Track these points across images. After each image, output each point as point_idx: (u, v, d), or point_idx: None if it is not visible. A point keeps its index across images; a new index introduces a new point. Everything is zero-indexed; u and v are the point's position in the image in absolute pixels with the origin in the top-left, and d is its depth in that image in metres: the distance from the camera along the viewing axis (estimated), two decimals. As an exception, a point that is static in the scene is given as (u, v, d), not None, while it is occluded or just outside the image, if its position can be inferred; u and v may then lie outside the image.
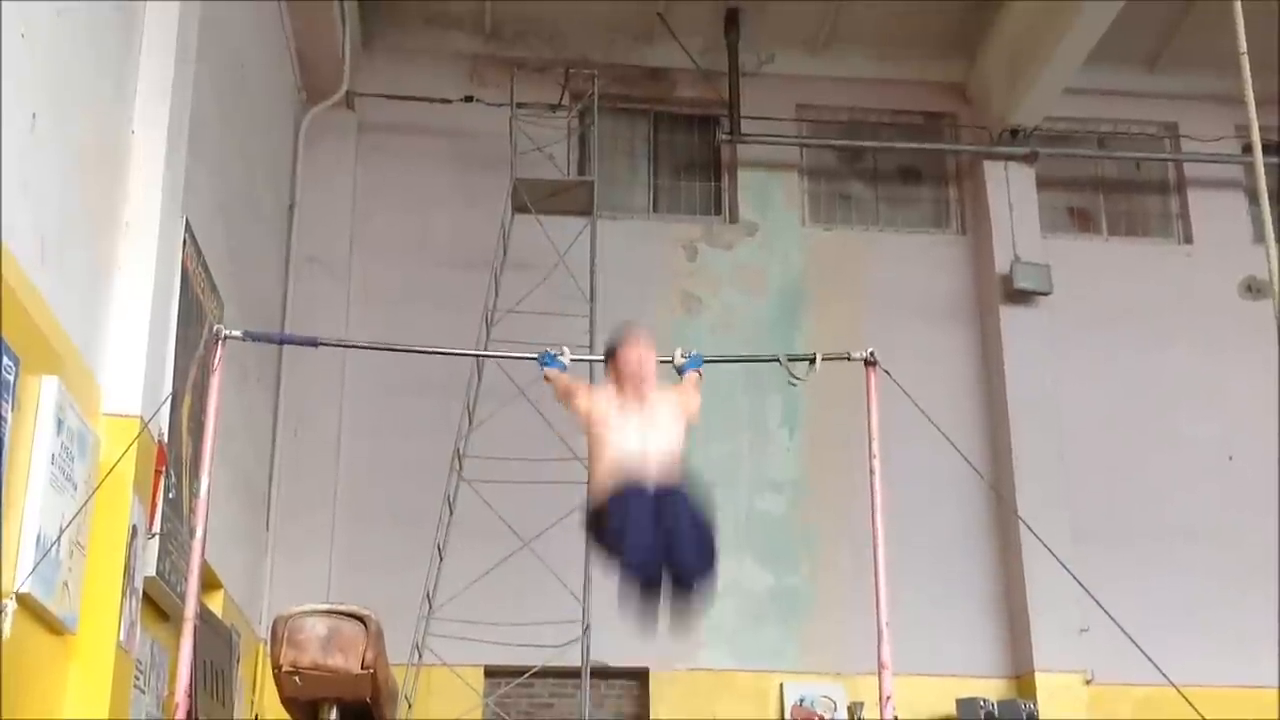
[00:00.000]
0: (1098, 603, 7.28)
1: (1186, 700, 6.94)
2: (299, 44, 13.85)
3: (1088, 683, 13.79)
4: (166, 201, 8.57)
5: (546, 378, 6.88)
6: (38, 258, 6.74)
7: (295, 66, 14.11)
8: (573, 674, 12.85)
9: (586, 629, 12.63)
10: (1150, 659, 7.05)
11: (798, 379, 7.34)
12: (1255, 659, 13.64)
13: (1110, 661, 12.33)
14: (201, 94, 9.51)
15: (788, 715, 13.78)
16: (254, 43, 12.08)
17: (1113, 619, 7.16)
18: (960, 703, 13.48)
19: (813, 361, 7.27)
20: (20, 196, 6.46)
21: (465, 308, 13.75)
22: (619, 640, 13.23)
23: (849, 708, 13.71)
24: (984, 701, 13.42)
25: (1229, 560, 14.41)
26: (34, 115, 6.64)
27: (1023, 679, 14.05)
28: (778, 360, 7.38)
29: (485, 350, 12.53)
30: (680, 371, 7.04)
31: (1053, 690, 13.75)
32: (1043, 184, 15.75)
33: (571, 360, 7.06)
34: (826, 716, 13.76)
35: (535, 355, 7.11)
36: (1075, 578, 7.51)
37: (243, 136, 11.72)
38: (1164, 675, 7.00)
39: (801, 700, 13.82)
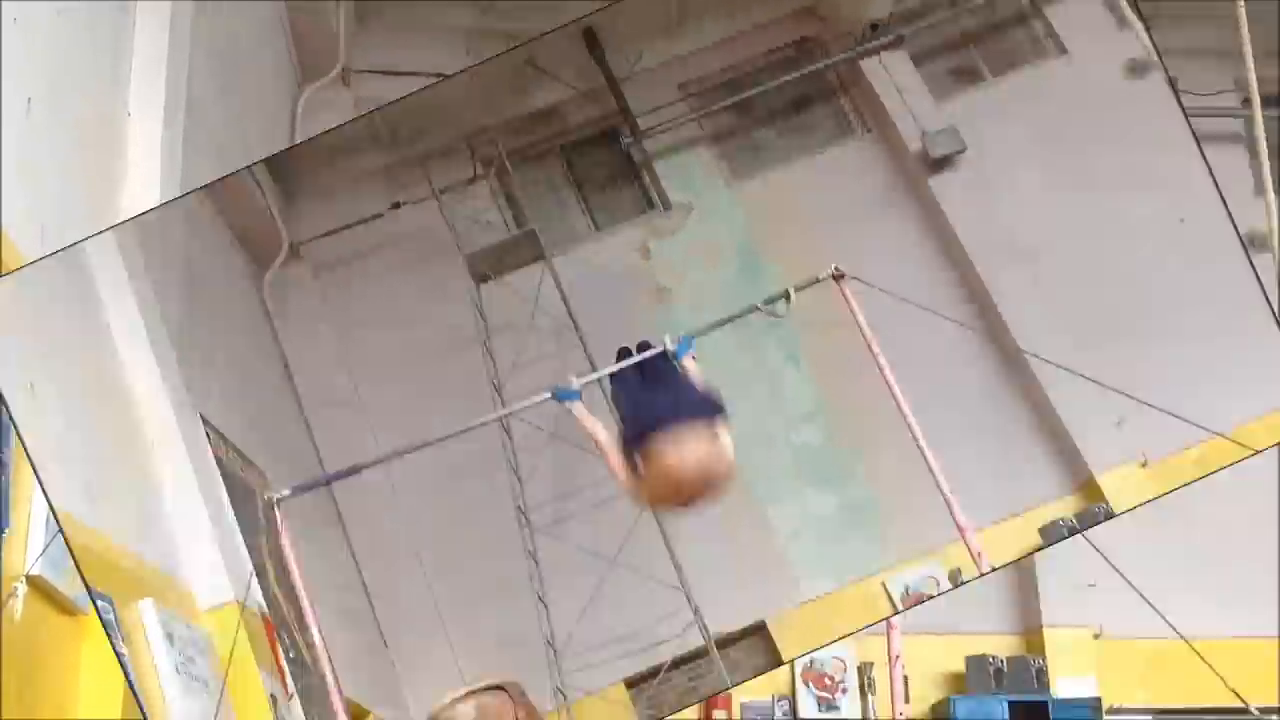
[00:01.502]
0: (1104, 557, 7.19)
1: (1195, 652, 6.83)
2: (294, 21, 13.37)
3: (1096, 637, 13.55)
4: (165, 184, 8.30)
5: (570, 410, 6.84)
6: (38, 244, 6.53)
7: (291, 44, 13.62)
8: (700, 654, 12.85)
9: (696, 610, 12.63)
10: (1158, 611, 6.96)
11: (780, 315, 7.36)
12: (1258, 610, 13.26)
13: (1119, 615, 12.09)
14: (197, 74, 9.19)
15: (798, 677, 13.54)
16: (248, 20, 11.66)
17: (1119, 573, 7.07)
18: (969, 660, 13.20)
19: (788, 297, 7.28)
20: (18, 182, 6.27)
21: (472, 388, 13.71)
22: (727, 605, 13.34)
23: (859, 668, 13.47)
24: (993, 658, 13.16)
25: (1233, 512, 14.01)
26: (29, 100, 6.48)
27: (1031, 635, 13.76)
28: (758, 308, 7.40)
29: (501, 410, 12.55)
30: (675, 359, 7.06)
31: (1061, 645, 13.46)
32: (918, 60, 15.71)
33: (582, 384, 7.11)
34: (837, 677, 13.54)
35: (548, 394, 7.15)
36: (1081, 533, 7.45)
37: (239, 116, 11.32)
38: (1172, 627, 6.89)
39: (812, 662, 13.51)
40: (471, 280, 14.25)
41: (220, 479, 8.98)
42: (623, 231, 15.67)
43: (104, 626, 6.02)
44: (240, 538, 8.79)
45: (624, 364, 7.17)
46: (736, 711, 13.50)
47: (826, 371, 14.64)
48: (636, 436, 5.97)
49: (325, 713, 8.90)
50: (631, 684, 13.44)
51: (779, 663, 13.85)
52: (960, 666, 13.30)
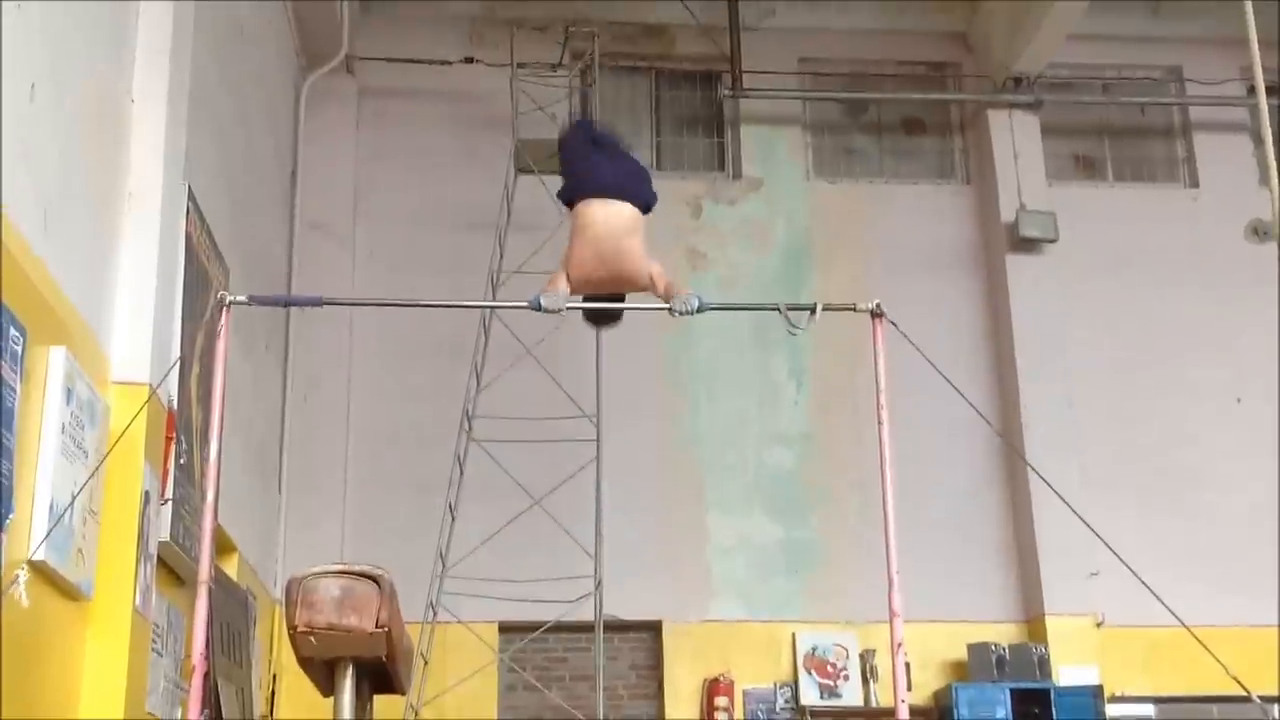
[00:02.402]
0: (1108, 546, 7.29)
1: (1197, 639, 6.95)
2: (297, 8, 13.79)
3: (1098, 625, 13.85)
4: (168, 169, 8.54)
5: (544, 308, 7.23)
6: (40, 228, 6.74)
7: (294, 31, 14.06)
8: (586, 628, 12.91)
9: (599, 584, 12.69)
10: (1160, 599, 7.06)
11: (798, 329, 7.34)
12: (1258, 599, 13.74)
13: (1121, 604, 12.37)
14: (201, 61, 9.48)
15: (800, 664, 13.84)
16: (252, 8, 12.02)
17: (1122, 561, 7.17)
18: (972, 647, 13.59)
19: (813, 311, 7.26)
20: (22, 167, 6.46)
21: (470, 270, 13.76)
22: (632, 594, 13.47)
23: (861, 655, 13.82)
24: (995, 646, 13.55)
25: (1235, 502, 14.45)
26: (33, 85, 6.64)
27: (1034, 623, 14.13)
28: (778, 309, 7.36)
29: (490, 309, 12.58)
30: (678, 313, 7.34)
31: (1064, 634, 13.81)
32: (1047, 131, 15.70)
33: (568, 308, 7.29)
34: (839, 664, 13.84)
35: (528, 304, 7.28)
36: (1084, 521, 7.51)
37: (243, 103, 11.69)
38: (1174, 615, 7.01)
39: (814, 649, 13.88)
40: (513, 166, 14.22)
41: (182, 257, 9.00)
42: (683, 180, 15.62)
43: (3, 355, 6.07)
44: (179, 324, 8.83)
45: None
46: (738, 698, 13.73)
47: (825, 403, 14.67)
48: (579, 190, 7.50)
49: (192, 529, 8.94)
50: (506, 630, 13.51)
51: (657, 668, 13.95)
52: (963, 654, 13.65)
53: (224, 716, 9.70)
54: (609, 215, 7.40)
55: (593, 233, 7.39)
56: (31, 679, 6.54)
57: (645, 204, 7.59)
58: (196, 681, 6.46)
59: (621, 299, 7.79)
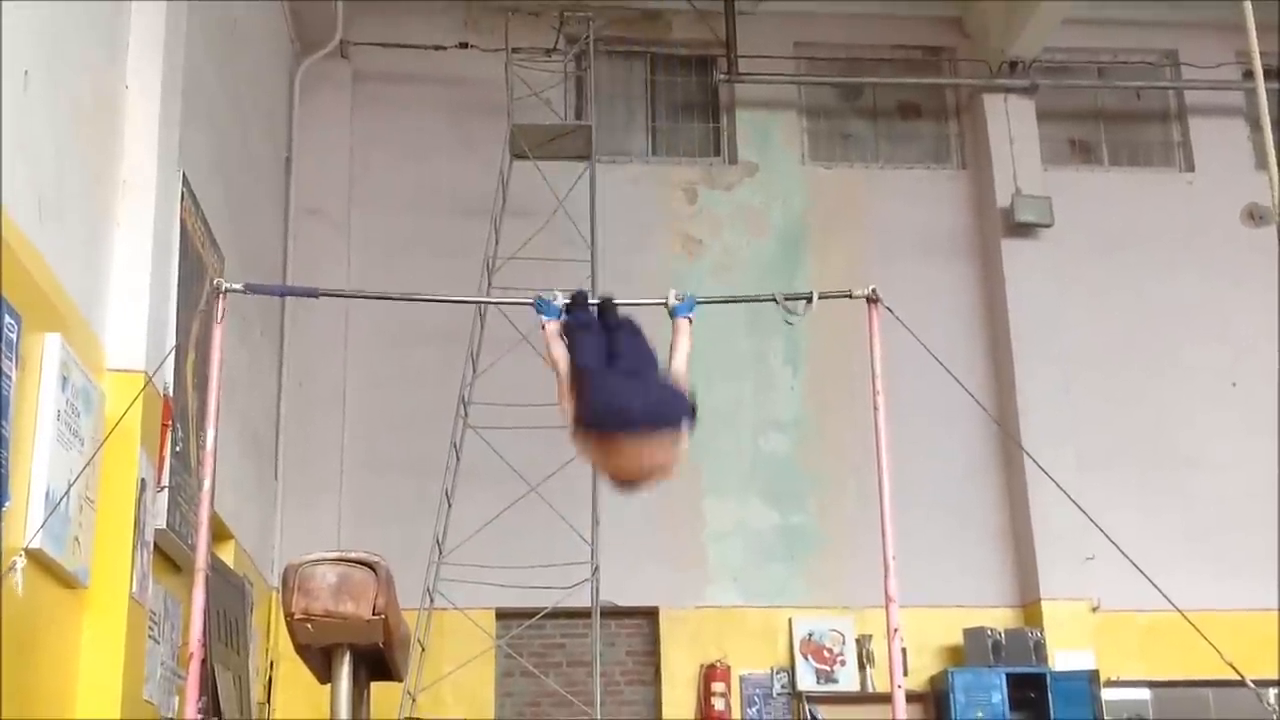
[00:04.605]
0: (1103, 531, 7.31)
1: (1192, 625, 6.96)
2: None
3: (1094, 610, 13.89)
4: (163, 157, 8.55)
5: (543, 327, 6.65)
6: (36, 217, 6.73)
7: (288, 17, 14.04)
8: (583, 614, 12.92)
9: (596, 570, 12.68)
10: (1155, 585, 7.07)
11: (795, 316, 7.31)
12: (1256, 583, 13.76)
13: (1116, 589, 12.38)
14: (194, 48, 9.46)
15: (797, 650, 13.86)
16: None
17: (1117, 547, 7.19)
18: (968, 632, 13.64)
19: (809, 300, 7.24)
20: (17, 156, 6.45)
21: (466, 255, 13.76)
22: (628, 580, 13.47)
23: (857, 640, 13.85)
24: (991, 631, 13.58)
25: (1231, 486, 14.47)
26: (26, 73, 6.62)
27: (1029, 608, 14.16)
28: (775, 300, 7.33)
29: (486, 297, 12.55)
30: (672, 315, 6.91)
31: (1059, 618, 13.86)
32: (1043, 116, 15.70)
33: (563, 304, 6.95)
34: (835, 650, 13.85)
35: (530, 300, 7.02)
36: (1080, 507, 7.51)
37: (238, 90, 11.66)
38: (1169, 600, 7.02)
39: (811, 635, 13.90)
40: (508, 152, 14.19)
41: (177, 245, 8.99)
42: (678, 166, 15.63)
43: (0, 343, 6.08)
44: (174, 312, 8.82)
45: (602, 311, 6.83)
46: (735, 684, 13.78)
47: (821, 389, 14.67)
48: (598, 423, 5.81)
49: (189, 517, 8.94)
50: (502, 616, 13.52)
51: (654, 654, 13.97)
52: (959, 639, 13.71)
53: (221, 703, 9.71)
54: (647, 462, 5.79)
55: (616, 469, 5.85)
56: (29, 667, 6.55)
57: (685, 420, 5.89)
58: (194, 669, 6.47)
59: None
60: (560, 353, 6.42)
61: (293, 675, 10.72)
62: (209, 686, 9.33)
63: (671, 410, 5.84)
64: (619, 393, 5.91)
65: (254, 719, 11.28)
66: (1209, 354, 15.03)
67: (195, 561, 6.56)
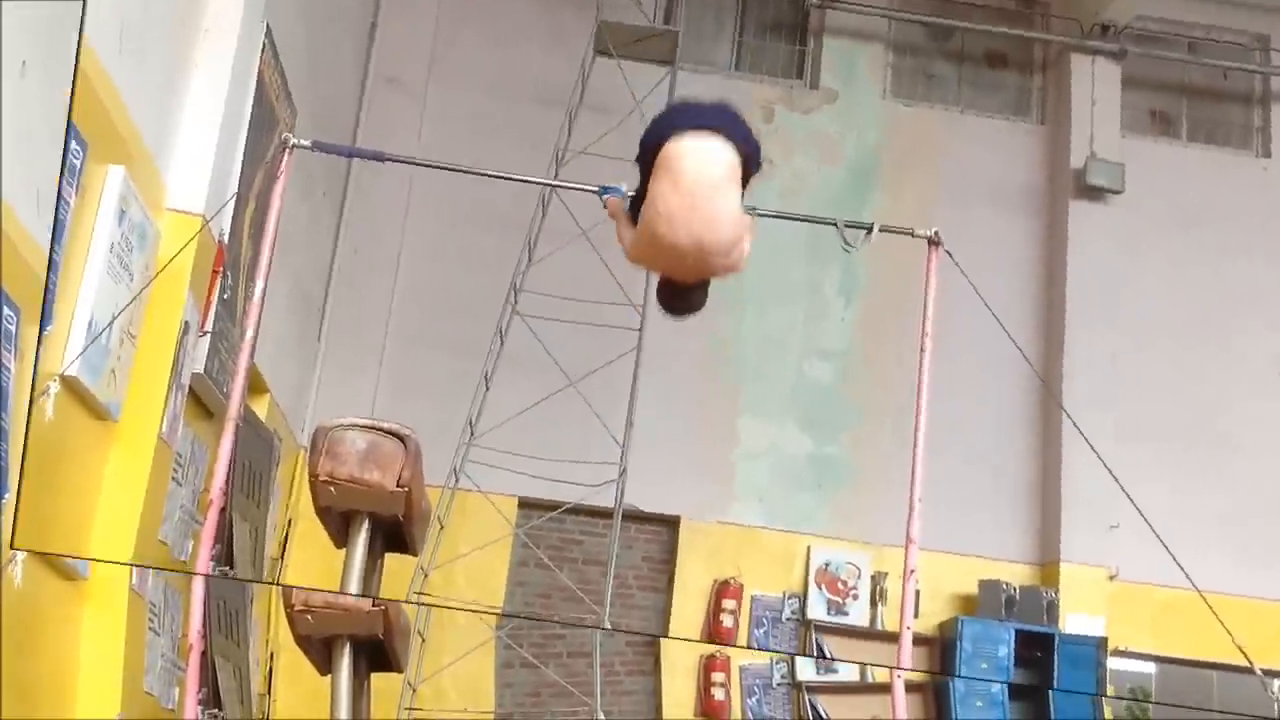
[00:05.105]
0: (1131, 501, 7.23)
1: (1207, 604, 6.88)
2: None
3: (1111, 578, 13.83)
4: (249, 5, 8.42)
5: (605, 204, 6.14)
6: (116, 47, 6.64)
7: None
8: (605, 514, 12.92)
9: (623, 472, 12.67)
10: (1177, 561, 7.00)
11: (851, 246, 7.22)
12: (1276, 573, 13.69)
13: (1136, 560, 12.32)
14: None
15: (812, 578, 13.86)
16: None
17: (1144, 518, 7.11)
18: (983, 584, 13.63)
19: (869, 231, 7.15)
20: (12, 146, 6.21)
21: (536, 145, 13.63)
22: (654, 487, 13.44)
23: (873, 576, 13.85)
24: (1006, 585, 13.57)
25: (1267, 475, 14.34)
26: (24, 63, 6.42)
27: (1046, 568, 14.13)
28: (834, 224, 7.24)
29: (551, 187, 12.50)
30: (600, 193, 6.56)
31: (1075, 582, 13.82)
32: (1127, 83, 15.48)
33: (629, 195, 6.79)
34: (849, 583, 13.84)
35: (595, 188, 6.89)
36: (1112, 474, 7.43)
37: None
38: (1188, 578, 6.95)
39: (827, 565, 13.89)
40: (593, 48, 14.07)
41: (251, 95, 8.93)
42: (759, 83, 15.47)
43: (64, 169, 6.02)
44: (240, 160, 8.77)
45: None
46: (746, 603, 13.82)
47: (871, 323, 14.58)
48: (658, 130, 5.04)
49: (228, 365, 8.94)
50: (525, 505, 13.55)
51: (670, 563, 14.00)
52: (973, 589, 13.71)
53: (221, 694, 9.35)
54: (700, 160, 4.93)
55: (671, 182, 4.92)
56: (53, 492, 6.52)
57: (748, 150, 5.11)
58: (194, 661, 6.38)
59: (694, 292, 5.63)
60: (620, 214, 5.85)
61: (293, 667, 10.18)
62: (209, 678, 9.11)
63: (740, 129, 5.12)
64: (686, 103, 5.43)
65: (254, 711, 11.04)
66: (1262, 341, 14.87)
67: (228, 410, 6.54)
